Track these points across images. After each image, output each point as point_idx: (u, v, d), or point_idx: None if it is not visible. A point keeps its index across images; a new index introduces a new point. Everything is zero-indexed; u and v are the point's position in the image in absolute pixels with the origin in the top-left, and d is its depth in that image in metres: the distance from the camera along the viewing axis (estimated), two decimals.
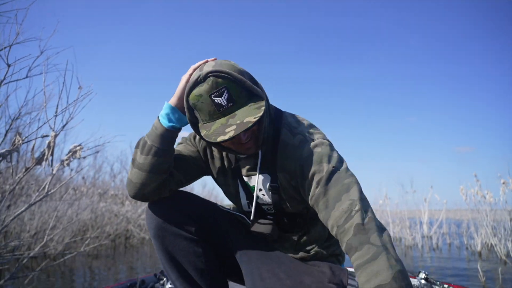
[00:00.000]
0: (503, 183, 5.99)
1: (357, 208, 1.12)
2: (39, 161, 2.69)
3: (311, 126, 1.41)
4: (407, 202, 8.96)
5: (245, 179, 1.46)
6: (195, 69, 1.28)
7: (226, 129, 1.13)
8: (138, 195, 1.41)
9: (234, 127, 1.12)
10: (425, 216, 8.42)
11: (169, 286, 2.70)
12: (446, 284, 2.59)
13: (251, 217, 1.48)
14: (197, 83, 1.17)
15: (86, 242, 7.23)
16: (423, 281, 2.58)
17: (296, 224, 1.50)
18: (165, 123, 1.32)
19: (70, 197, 9.33)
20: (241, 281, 1.58)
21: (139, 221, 11.21)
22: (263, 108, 1.16)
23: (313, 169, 1.23)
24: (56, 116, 2.76)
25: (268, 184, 1.40)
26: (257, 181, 1.40)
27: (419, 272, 2.69)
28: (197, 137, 1.52)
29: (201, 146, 1.52)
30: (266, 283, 1.41)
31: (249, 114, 1.14)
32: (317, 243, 1.49)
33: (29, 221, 6.95)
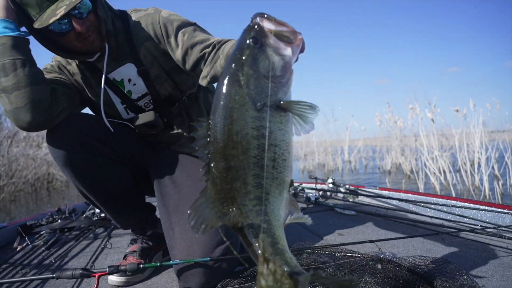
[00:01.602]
0: (411, 108, 6.73)
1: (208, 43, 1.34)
2: None
3: None
4: (329, 130, 9.71)
5: (111, 78, 1.46)
6: None
7: (56, 11, 1.18)
8: (34, 120, 1.25)
9: (64, 7, 1.17)
10: (346, 143, 9.26)
11: (98, 210, 2.62)
12: (348, 185, 2.98)
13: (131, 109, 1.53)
14: None
15: None
16: (330, 185, 2.97)
17: (176, 109, 1.55)
18: (9, 32, 1.24)
19: None
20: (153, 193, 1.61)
21: None
22: None
23: (176, 23, 1.39)
24: None
25: (135, 71, 1.45)
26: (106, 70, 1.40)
27: (328, 178, 3.07)
28: (53, 62, 1.50)
29: (57, 67, 1.48)
30: (168, 190, 1.47)
31: None
32: None
33: None
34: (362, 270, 1.35)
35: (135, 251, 1.62)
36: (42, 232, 2.30)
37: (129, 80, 1.47)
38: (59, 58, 1.49)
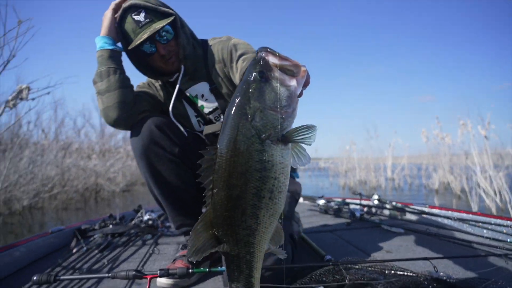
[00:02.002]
0: (462, 124, 6.35)
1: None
2: None
3: None
4: (372, 147, 9.41)
5: (188, 94, 1.71)
6: (115, 4, 1.57)
7: (143, 35, 1.50)
8: (120, 116, 1.55)
9: (148, 32, 1.49)
10: (389, 160, 8.91)
11: (147, 217, 2.72)
12: (395, 202, 2.85)
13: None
14: (124, 10, 1.53)
15: (50, 194, 7.06)
16: (376, 202, 2.87)
17: None
18: (107, 46, 1.57)
19: (32, 153, 8.92)
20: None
21: (108, 175, 11.01)
22: (172, 18, 1.53)
23: (240, 51, 1.57)
24: None
25: (208, 88, 1.68)
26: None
27: (373, 194, 2.97)
28: (146, 81, 1.82)
29: (147, 83, 1.79)
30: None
31: (161, 24, 1.50)
32: None
33: None
34: None
35: (184, 255, 1.65)
36: (95, 236, 2.44)
37: (202, 96, 1.71)
38: None
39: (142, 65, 1.68)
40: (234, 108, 0.75)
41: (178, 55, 1.62)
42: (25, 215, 7.10)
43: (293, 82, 0.76)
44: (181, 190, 1.64)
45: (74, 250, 2.19)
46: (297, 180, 1.89)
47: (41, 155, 9.37)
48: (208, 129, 1.66)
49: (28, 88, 2.80)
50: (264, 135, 0.72)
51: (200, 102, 1.72)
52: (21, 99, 2.74)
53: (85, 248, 2.21)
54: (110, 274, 1.37)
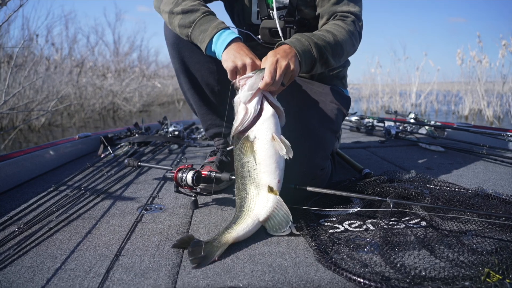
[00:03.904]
0: (504, 44, 5.76)
1: (353, 19, 1.34)
2: None
3: None
4: (399, 69, 8.83)
5: None
6: None
7: None
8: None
9: None
10: (415, 85, 8.40)
11: (172, 129, 2.64)
12: (433, 121, 2.67)
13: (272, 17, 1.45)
14: None
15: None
16: (412, 120, 2.70)
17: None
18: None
19: (46, 69, 8.78)
20: None
21: (124, 94, 10.95)
22: None
23: None
24: None
25: None
26: None
27: (409, 113, 2.78)
28: None
29: None
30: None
31: None
32: None
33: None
34: (461, 204, 1.16)
35: (213, 161, 1.58)
36: (121, 144, 2.38)
37: None
38: None
39: None
40: None
41: None
42: (45, 131, 7.24)
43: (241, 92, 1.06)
44: (211, 87, 1.47)
45: (102, 155, 2.15)
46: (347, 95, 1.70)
47: (55, 72, 9.26)
48: (269, 23, 1.43)
49: None
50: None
51: None
52: None
53: (112, 154, 2.17)
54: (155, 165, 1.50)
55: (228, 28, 1.19)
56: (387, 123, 2.68)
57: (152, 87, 13.16)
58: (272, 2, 1.44)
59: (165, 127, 2.76)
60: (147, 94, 12.67)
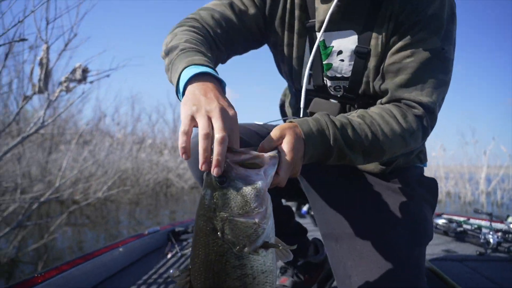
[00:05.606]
0: None
1: (420, 113, 0.95)
2: (40, 89, 2.37)
3: None
4: (467, 153, 8.28)
5: (319, 36, 1.04)
6: None
7: None
8: None
9: None
10: (483, 170, 7.66)
11: None
12: None
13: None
14: None
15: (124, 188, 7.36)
16: None
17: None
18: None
19: (109, 146, 9.47)
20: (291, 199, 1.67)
21: (178, 171, 11.34)
22: None
23: (421, 34, 0.95)
24: (48, 24, 2.30)
25: (355, 45, 1.03)
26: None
27: (508, 216, 2.44)
28: None
29: None
30: (335, 217, 1.09)
31: None
32: None
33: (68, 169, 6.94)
34: None
35: (285, 285, 1.41)
36: (189, 241, 2.28)
37: (340, 53, 1.06)
38: None
39: None
40: (200, 224, 0.65)
41: None
42: (99, 206, 7.48)
43: (259, 177, 0.66)
44: None
45: (169, 256, 2.04)
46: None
47: (117, 149, 9.94)
48: (320, 106, 1.11)
49: (86, 70, 2.57)
50: (238, 247, 0.63)
51: (330, 59, 1.08)
52: (75, 79, 2.54)
53: (180, 253, 2.05)
54: None
55: (207, 65, 0.80)
56: (483, 231, 2.32)
57: None
58: (328, 69, 1.10)
59: None
60: None
